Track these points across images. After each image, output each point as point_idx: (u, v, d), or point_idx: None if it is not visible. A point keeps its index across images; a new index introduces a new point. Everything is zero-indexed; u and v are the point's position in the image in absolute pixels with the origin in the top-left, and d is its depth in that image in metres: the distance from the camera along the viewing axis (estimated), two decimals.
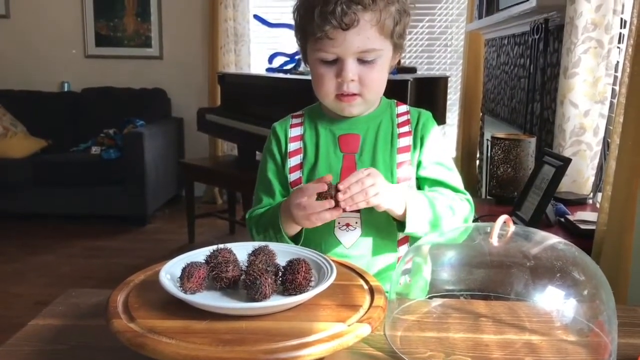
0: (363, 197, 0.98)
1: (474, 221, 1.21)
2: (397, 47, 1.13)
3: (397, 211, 1.04)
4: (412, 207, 1.05)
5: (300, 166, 1.16)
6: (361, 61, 1.07)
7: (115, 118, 4.39)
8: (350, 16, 1.02)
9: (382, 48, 1.08)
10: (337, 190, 0.98)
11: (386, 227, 1.12)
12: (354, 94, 1.09)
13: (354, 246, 1.12)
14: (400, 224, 1.07)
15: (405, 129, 1.17)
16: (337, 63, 1.07)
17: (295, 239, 1.10)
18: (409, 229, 1.05)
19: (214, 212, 4.09)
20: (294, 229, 1.08)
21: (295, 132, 1.19)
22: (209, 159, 4.44)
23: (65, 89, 4.85)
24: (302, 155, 1.17)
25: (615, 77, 2.05)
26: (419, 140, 1.15)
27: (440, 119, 3.19)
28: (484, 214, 2.08)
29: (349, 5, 1.01)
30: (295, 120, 1.21)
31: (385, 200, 1.01)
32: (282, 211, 1.06)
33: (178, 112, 4.80)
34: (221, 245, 0.86)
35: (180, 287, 0.80)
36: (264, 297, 0.77)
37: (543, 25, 2.50)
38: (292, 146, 1.18)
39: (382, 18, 1.05)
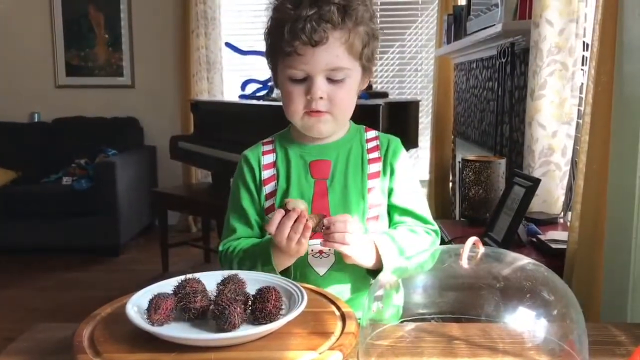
0: (340, 239, 1.00)
1: (447, 243, 1.21)
2: (366, 70, 1.14)
3: (366, 265, 1.06)
4: (385, 258, 1.06)
5: (274, 193, 1.16)
6: (330, 80, 1.08)
7: (87, 148, 4.35)
8: (319, 33, 1.03)
9: (351, 68, 1.09)
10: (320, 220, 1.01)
11: None
12: (323, 112, 1.09)
13: (328, 274, 1.12)
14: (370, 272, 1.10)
15: (375, 154, 1.17)
16: (306, 81, 1.08)
17: (286, 274, 1.09)
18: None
19: (189, 241, 4.04)
20: (285, 265, 1.08)
21: (267, 159, 1.19)
22: (183, 187, 4.40)
23: (36, 120, 4.80)
24: (275, 182, 1.16)
25: (581, 99, 2.09)
26: (388, 167, 1.16)
27: (413, 143, 3.22)
28: (457, 235, 2.09)
29: (318, 22, 1.03)
30: (266, 147, 1.21)
31: (355, 256, 1.03)
32: (274, 248, 1.05)
33: (151, 140, 4.77)
34: (189, 275, 0.85)
35: (148, 319, 0.78)
36: (233, 327, 0.76)
37: (509, 49, 2.56)
38: (266, 174, 1.17)
39: (351, 37, 1.06)
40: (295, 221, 0.99)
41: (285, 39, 1.04)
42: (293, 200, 1.01)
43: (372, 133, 1.21)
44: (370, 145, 1.18)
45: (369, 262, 1.06)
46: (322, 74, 1.07)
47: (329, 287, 1.08)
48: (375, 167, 1.16)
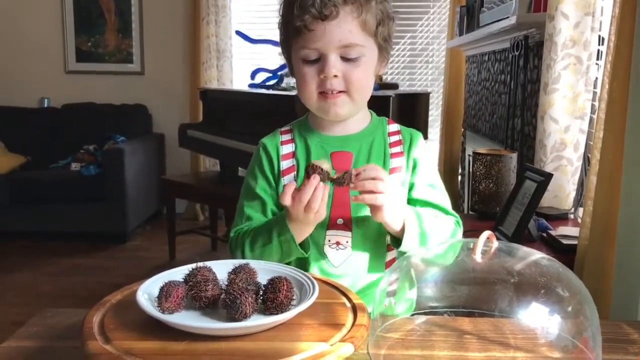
0: (372, 186, 0.97)
1: None
2: (382, 50, 1.11)
3: (395, 227, 1.03)
4: (409, 226, 1.04)
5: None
6: (345, 59, 1.05)
7: (96, 134, 4.35)
8: (329, 8, 1.01)
9: (365, 45, 1.06)
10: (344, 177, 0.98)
11: (376, 247, 1.11)
12: (339, 92, 1.06)
13: (343, 265, 1.11)
14: (394, 240, 1.07)
15: (397, 149, 1.15)
16: (319, 61, 1.06)
17: (304, 247, 1.07)
18: (404, 247, 1.04)
19: (196, 229, 4.05)
20: (303, 235, 1.05)
21: (287, 149, 1.16)
22: (191, 175, 4.41)
23: (45, 105, 4.80)
24: (295, 173, 1.14)
25: (595, 93, 2.07)
26: (411, 162, 1.14)
27: (422, 135, 3.20)
28: (467, 229, 2.06)
29: None
30: (285, 137, 1.18)
31: (388, 208, 1.00)
32: (290, 219, 1.03)
33: (159, 128, 4.78)
34: (200, 264, 0.84)
35: (158, 306, 0.77)
36: (244, 316, 0.75)
37: (523, 42, 2.53)
38: (285, 164, 1.15)
39: (363, 13, 1.04)
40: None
41: (295, 14, 1.03)
42: (317, 161, 0.99)
43: (394, 126, 1.18)
44: (393, 139, 1.16)
45: (397, 224, 1.03)
46: (335, 51, 1.04)
47: (343, 278, 1.07)
48: (398, 161, 1.14)
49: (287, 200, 0.98)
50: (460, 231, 1.16)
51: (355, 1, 1.03)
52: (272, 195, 1.15)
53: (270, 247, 1.06)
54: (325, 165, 0.98)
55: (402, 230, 1.04)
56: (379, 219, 1.02)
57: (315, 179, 0.96)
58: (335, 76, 1.05)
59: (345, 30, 1.03)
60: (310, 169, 0.97)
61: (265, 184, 1.16)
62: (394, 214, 1.01)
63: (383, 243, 1.11)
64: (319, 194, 0.97)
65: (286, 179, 1.14)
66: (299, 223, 1.02)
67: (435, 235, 1.08)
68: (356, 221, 1.10)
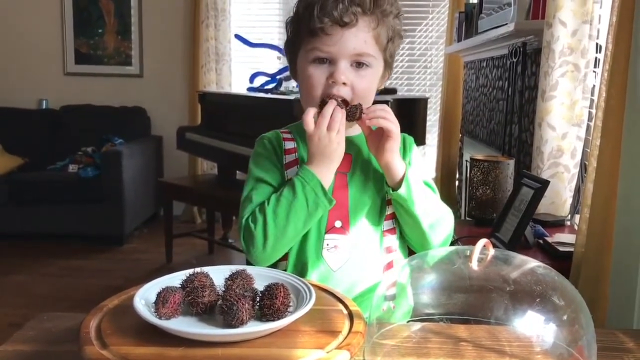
0: (384, 114, 1.04)
1: (454, 242, 1.20)
2: (387, 67, 1.13)
3: (398, 167, 1.06)
4: (406, 175, 1.07)
5: None
6: (354, 68, 1.06)
7: (94, 136, 4.35)
8: (350, 15, 1.03)
9: (376, 57, 1.08)
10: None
11: (374, 252, 1.11)
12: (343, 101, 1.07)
13: (341, 269, 1.11)
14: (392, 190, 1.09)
15: None
16: (329, 66, 1.06)
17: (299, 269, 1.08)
18: (403, 189, 1.06)
19: (193, 232, 4.04)
20: (327, 177, 1.06)
21: (289, 144, 1.16)
22: (189, 177, 4.40)
23: (44, 106, 4.80)
24: (297, 167, 1.12)
25: (592, 101, 2.08)
26: (406, 163, 1.15)
27: (420, 140, 3.21)
28: (464, 235, 2.08)
29: (350, 3, 1.03)
30: (285, 135, 1.18)
31: (396, 140, 1.05)
32: (311, 165, 1.05)
33: (158, 130, 4.77)
34: (197, 269, 0.84)
35: (155, 312, 0.77)
36: (241, 323, 0.75)
37: (521, 49, 2.54)
38: (288, 157, 1.14)
39: (379, 27, 1.06)
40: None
41: (315, 16, 1.03)
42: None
43: None
44: None
45: (401, 165, 1.07)
46: (347, 59, 1.05)
47: (341, 283, 1.07)
48: None
49: (309, 122, 1.02)
50: (452, 217, 1.15)
51: (373, 13, 1.05)
52: (281, 183, 1.11)
53: (295, 203, 1.03)
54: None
55: (397, 183, 1.07)
56: (389, 150, 1.05)
57: (332, 103, 1.03)
58: (344, 84, 1.06)
59: (360, 39, 1.05)
60: (327, 98, 1.05)
61: (274, 171, 1.13)
62: (398, 150, 1.06)
63: (380, 246, 1.12)
64: (338, 114, 1.02)
65: (289, 172, 1.12)
66: (320, 161, 1.04)
67: (423, 196, 1.09)
68: (354, 223, 1.10)
